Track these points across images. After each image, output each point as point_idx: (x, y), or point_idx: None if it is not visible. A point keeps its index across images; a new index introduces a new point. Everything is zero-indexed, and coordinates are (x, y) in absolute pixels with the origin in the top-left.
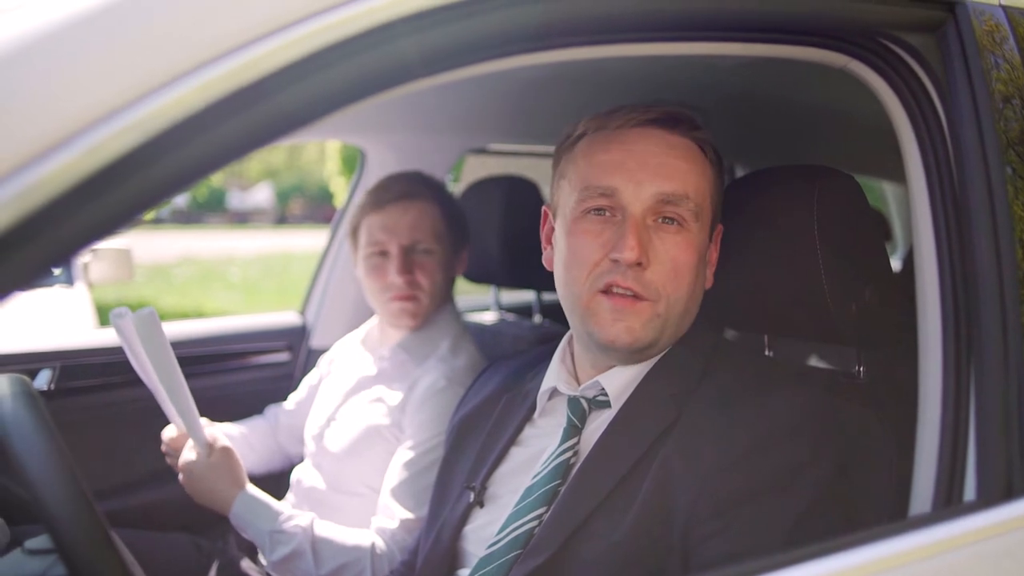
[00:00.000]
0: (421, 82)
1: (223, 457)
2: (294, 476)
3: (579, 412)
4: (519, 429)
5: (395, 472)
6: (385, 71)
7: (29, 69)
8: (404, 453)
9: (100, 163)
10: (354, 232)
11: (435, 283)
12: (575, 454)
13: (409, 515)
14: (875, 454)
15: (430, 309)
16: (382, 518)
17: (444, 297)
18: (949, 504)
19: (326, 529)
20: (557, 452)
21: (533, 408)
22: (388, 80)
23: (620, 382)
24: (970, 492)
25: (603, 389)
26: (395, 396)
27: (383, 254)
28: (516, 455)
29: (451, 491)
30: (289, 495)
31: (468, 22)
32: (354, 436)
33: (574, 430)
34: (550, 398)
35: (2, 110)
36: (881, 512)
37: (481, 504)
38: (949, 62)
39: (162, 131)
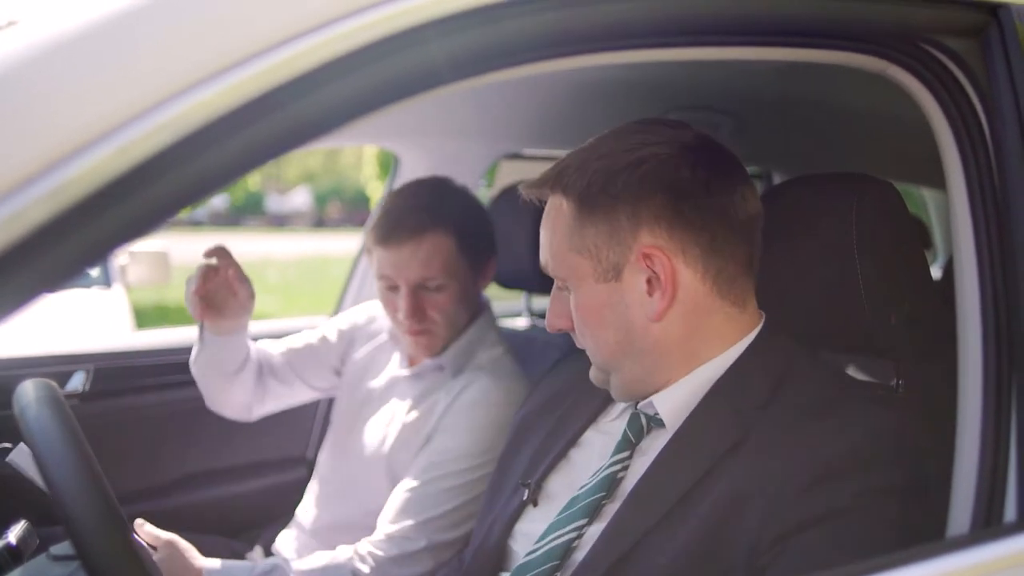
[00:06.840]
0: (448, 87)
1: (170, 549)
2: (319, 459)
3: (636, 427)
4: (582, 430)
5: (408, 483)
6: (414, 75)
7: (61, 67)
8: (427, 462)
9: (131, 162)
10: (368, 253)
11: (449, 314)
12: (624, 469)
13: (412, 530)
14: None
15: (449, 335)
16: (378, 537)
17: (470, 313)
18: (988, 525)
19: (305, 563)
20: (607, 464)
21: (600, 410)
22: (417, 84)
23: (674, 402)
24: (1010, 512)
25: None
26: (427, 404)
27: (393, 289)
28: (575, 456)
29: (506, 487)
30: (312, 483)
31: (497, 26)
32: (381, 440)
33: (627, 444)
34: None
35: (34, 108)
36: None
37: (535, 503)
38: (992, 67)
39: (193, 131)
